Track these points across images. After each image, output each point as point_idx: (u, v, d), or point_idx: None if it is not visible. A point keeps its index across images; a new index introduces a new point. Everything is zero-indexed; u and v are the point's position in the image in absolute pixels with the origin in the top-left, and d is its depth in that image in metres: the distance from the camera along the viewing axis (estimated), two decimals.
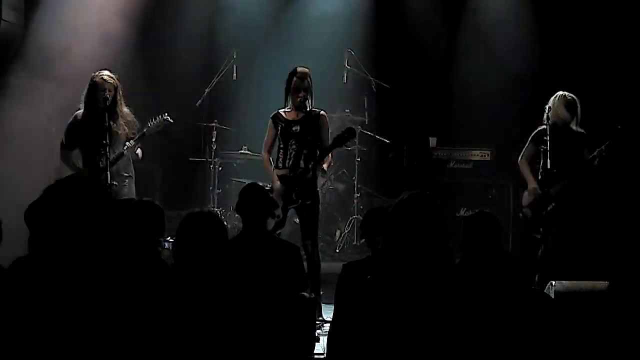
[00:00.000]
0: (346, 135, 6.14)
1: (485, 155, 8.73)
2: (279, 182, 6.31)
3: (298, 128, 6.39)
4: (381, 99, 9.41)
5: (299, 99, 6.34)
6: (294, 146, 6.39)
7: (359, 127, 9.13)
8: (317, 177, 6.34)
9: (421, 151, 9.04)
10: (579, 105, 6.99)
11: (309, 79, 6.39)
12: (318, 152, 6.33)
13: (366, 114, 9.32)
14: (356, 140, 9.05)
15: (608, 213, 8.18)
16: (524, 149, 7.23)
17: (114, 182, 6.47)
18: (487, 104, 9.39)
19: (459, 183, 8.65)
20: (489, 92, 9.40)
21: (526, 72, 9.21)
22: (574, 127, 7.00)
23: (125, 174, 6.70)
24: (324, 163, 6.32)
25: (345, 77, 9.12)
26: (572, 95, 7.01)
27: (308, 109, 6.41)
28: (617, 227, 7.84)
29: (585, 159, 6.93)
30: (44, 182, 7.79)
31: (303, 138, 6.37)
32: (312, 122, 6.37)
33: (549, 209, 6.91)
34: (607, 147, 6.88)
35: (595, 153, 6.93)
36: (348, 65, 9.08)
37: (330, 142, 6.30)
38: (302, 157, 6.36)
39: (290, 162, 6.38)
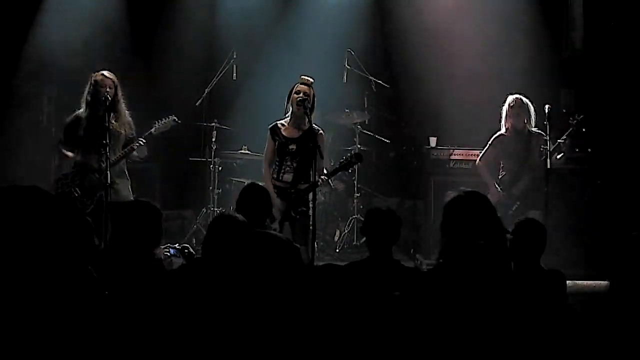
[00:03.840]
0: (353, 160, 6.28)
1: None
2: (278, 199, 6.34)
3: (294, 147, 6.44)
4: (381, 99, 9.41)
5: (298, 99, 6.36)
6: (288, 163, 6.45)
7: (359, 126, 9.13)
8: (314, 194, 6.28)
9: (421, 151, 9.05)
10: (531, 106, 7.13)
11: (311, 88, 6.45)
12: (315, 167, 6.28)
13: (366, 113, 9.32)
14: (356, 140, 9.06)
15: (602, 214, 8.21)
16: (482, 152, 7.39)
17: (115, 181, 6.48)
18: (486, 104, 9.39)
19: (458, 183, 8.63)
20: (489, 91, 9.40)
21: (526, 72, 9.20)
22: (530, 128, 7.13)
23: (124, 177, 6.72)
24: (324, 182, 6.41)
25: (345, 77, 9.12)
26: (522, 97, 7.20)
27: (307, 125, 6.42)
28: (612, 228, 7.86)
29: (541, 157, 7.02)
30: (44, 182, 7.83)
31: (297, 157, 6.44)
32: (309, 141, 6.33)
33: (514, 208, 7.05)
34: (562, 141, 7.02)
35: (552, 149, 7.01)
36: (348, 65, 9.08)
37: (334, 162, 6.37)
38: (294, 173, 6.43)
39: (283, 177, 6.44)
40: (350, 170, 6.63)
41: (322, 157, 6.27)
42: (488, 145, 7.40)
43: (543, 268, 4.60)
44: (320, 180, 6.22)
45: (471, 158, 8.73)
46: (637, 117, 8.64)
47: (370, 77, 9.15)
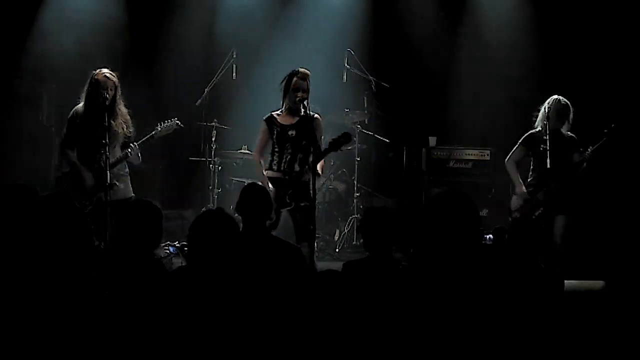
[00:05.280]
0: (342, 140, 5.99)
1: (484, 155, 8.74)
2: (271, 185, 6.33)
3: (294, 132, 6.40)
4: (381, 98, 9.42)
5: (297, 99, 6.31)
6: (289, 150, 6.41)
7: (359, 126, 9.14)
8: (314, 179, 6.10)
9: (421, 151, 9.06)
10: (571, 109, 7.03)
11: (308, 81, 6.38)
12: (313, 155, 6.23)
13: (366, 113, 9.33)
14: (356, 139, 9.07)
15: (598, 214, 8.21)
16: (512, 151, 7.26)
17: (115, 182, 6.48)
18: (486, 103, 9.41)
19: (458, 183, 8.65)
20: (488, 91, 9.42)
21: (526, 72, 9.22)
22: (565, 132, 7.04)
23: (123, 173, 6.70)
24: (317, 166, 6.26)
25: (345, 77, 9.12)
26: (565, 100, 7.05)
27: (303, 113, 6.36)
28: (608, 228, 7.87)
29: (572, 163, 6.98)
30: (44, 182, 7.82)
31: (299, 142, 6.39)
32: (307, 126, 6.30)
33: (537, 213, 6.95)
34: (593, 151, 6.94)
35: (581, 157, 6.97)
36: (348, 65, 9.08)
37: (326, 145, 6.17)
38: (297, 161, 6.39)
39: (286, 166, 6.40)
40: (341, 150, 6.42)
41: (319, 142, 6.18)
42: (519, 143, 7.21)
43: (541, 267, 4.60)
44: (308, 168, 6.15)
45: (470, 158, 8.76)
46: (636, 117, 8.65)
47: (370, 77, 9.16)
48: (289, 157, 6.42)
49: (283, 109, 6.48)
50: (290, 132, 6.41)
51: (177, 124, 6.77)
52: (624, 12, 8.98)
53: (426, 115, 9.61)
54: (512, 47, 9.37)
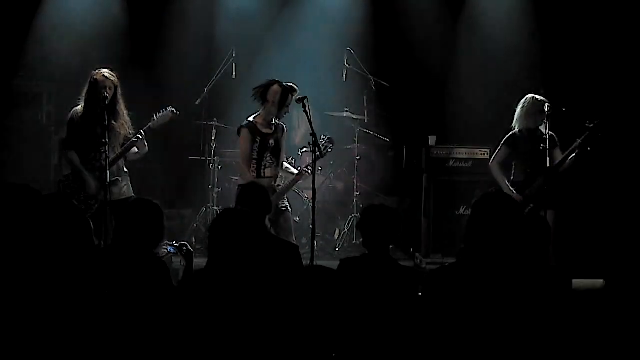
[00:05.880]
0: (330, 146, 6.80)
1: (484, 154, 8.73)
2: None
3: (273, 142, 6.69)
4: (381, 97, 9.42)
5: (286, 113, 6.75)
6: (268, 159, 6.66)
7: (358, 125, 9.14)
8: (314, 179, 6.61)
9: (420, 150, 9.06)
10: (548, 107, 7.02)
11: None
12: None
13: (366, 112, 9.33)
14: (355, 138, 9.08)
15: (596, 213, 8.21)
16: (495, 152, 7.27)
17: (118, 178, 6.49)
18: (486, 102, 9.41)
19: (458, 182, 8.66)
20: (488, 90, 9.42)
21: (525, 71, 9.22)
22: (543, 130, 7.02)
23: (124, 172, 6.70)
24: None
25: (344, 76, 9.14)
26: (542, 98, 7.06)
27: (274, 122, 6.72)
28: (607, 226, 7.87)
29: (556, 159, 6.99)
30: (44, 182, 7.81)
31: (276, 151, 6.71)
32: (280, 135, 6.75)
33: (527, 210, 6.94)
34: (578, 146, 6.93)
35: (567, 152, 6.97)
36: (348, 64, 9.09)
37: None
38: (271, 169, 6.68)
39: (265, 173, 6.63)
40: (328, 152, 6.92)
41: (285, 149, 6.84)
42: (501, 145, 7.23)
43: (549, 265, 4.58)
44: (305, 172, 6.65)
45: (470, 157, 8.75)
46: (635, 116, 8.66)
47: (370, 76, 9.16)
48: (266, 164, 6.65)
49: (264, 115, 6.69)
50: (270, 142, 6.66)
51: (172, 111, 6.72)
52: (624, 10, 8.99)
53: (426, 115, 9.61)
54: (512, 46, 9.38)
